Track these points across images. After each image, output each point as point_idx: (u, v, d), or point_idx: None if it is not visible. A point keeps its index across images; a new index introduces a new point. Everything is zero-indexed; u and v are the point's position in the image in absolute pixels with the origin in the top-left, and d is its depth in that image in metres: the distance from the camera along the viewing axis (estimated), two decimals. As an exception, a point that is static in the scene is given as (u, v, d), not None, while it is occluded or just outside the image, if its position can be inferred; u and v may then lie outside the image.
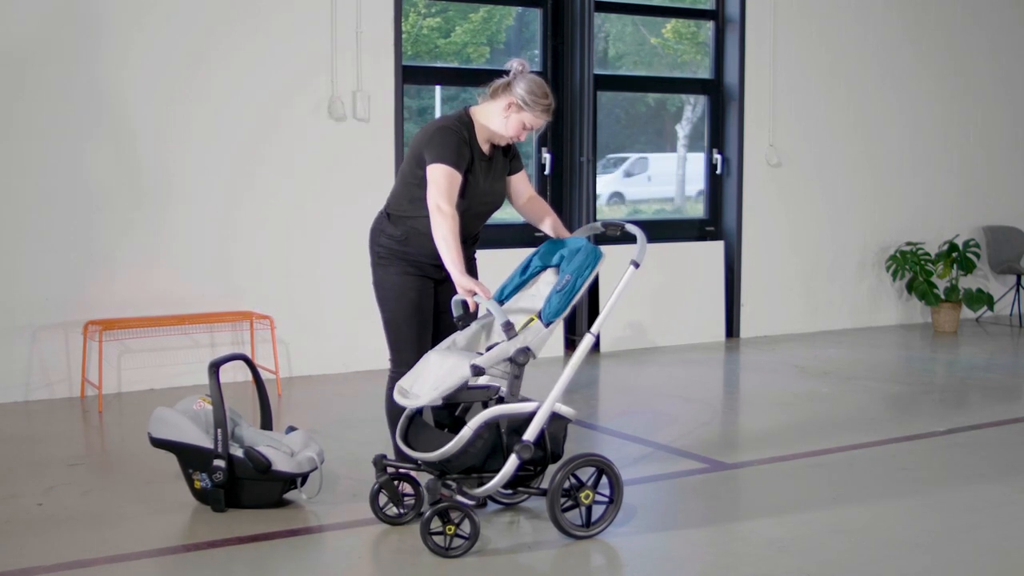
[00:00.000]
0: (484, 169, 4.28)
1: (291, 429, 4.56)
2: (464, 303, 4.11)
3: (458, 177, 4.14)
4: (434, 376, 3.91)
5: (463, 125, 4.24)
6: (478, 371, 3.84)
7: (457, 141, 4.17)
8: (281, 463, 4.27)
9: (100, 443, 5.68)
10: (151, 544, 3.97)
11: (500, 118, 4.24)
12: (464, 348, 4.16)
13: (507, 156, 4.41)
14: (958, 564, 3.86)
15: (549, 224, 4.42)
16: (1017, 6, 9.94)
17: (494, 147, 4.34)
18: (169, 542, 4.02)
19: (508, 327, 3.87)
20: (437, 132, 4.21)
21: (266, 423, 4.60)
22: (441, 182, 4.11)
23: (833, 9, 8.96)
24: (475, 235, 4.44)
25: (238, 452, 4.27)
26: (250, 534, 4.07)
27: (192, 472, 4.31)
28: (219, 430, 4.23)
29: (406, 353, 4.31)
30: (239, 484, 4.27)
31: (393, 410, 4.23)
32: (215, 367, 4.32)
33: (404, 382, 4.03)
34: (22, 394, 6.33)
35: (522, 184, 4.47)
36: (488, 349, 4.05)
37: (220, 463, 4.23)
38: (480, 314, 4.26)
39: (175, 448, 4.33)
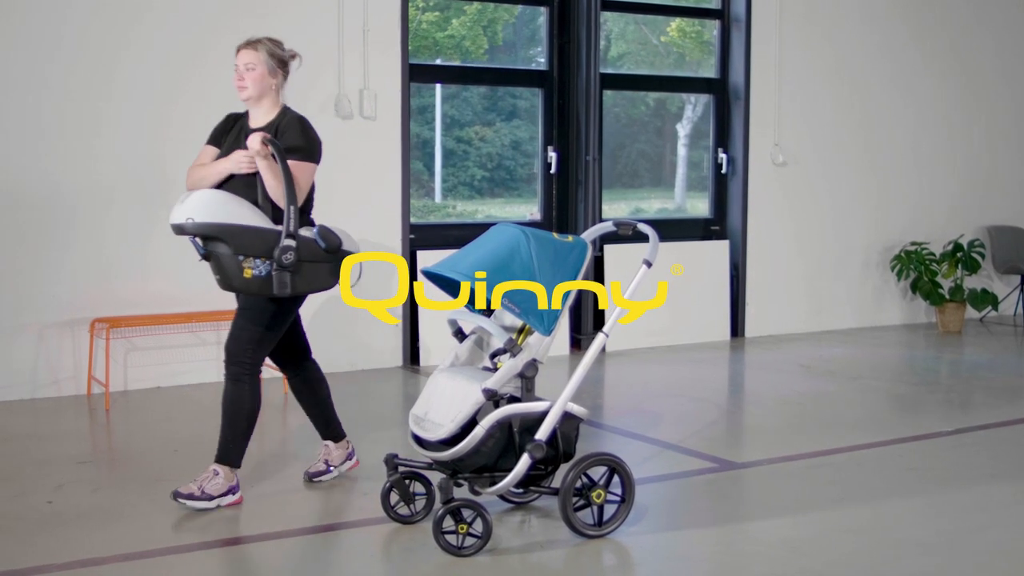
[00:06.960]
0: (232, 141, 4.47)
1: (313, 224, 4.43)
2: (454, 321, 4.11)
3: (208, 148, 4.56)
4: (448, 403, 3.94)
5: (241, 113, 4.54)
6: (491, 395, 3.86)
7: (222, 121, 4.59)
8: (348, 243, 4.36)
9: (108, 441, 5.69)
10: (162, 542, 3.98)
11: None
12: (467, 362, 4.19)
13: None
14: (967, 565, 3.86)
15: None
16: (1022, 6, 9.94)
17: (271, 127, 4.39)
18: (179, 540, 4.02)
19: (511, 344, 3.90)
20: None
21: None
22: None
23: (839, 9, 8.96)
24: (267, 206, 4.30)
25: (307, 233, 4.23)
26: (261, 532, 4.07)
27: (243, 260, 4.11)
28: (291, 207, 4.13)
29: None
30: (298, 267, 4.19)
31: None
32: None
33: (417, 409, 4.07)
34: (29, 392, 6.34)
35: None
36: (492, 356, 4.07)
37: (291, 243, 4.13)
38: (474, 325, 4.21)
39: (229, 231, 4.08)
